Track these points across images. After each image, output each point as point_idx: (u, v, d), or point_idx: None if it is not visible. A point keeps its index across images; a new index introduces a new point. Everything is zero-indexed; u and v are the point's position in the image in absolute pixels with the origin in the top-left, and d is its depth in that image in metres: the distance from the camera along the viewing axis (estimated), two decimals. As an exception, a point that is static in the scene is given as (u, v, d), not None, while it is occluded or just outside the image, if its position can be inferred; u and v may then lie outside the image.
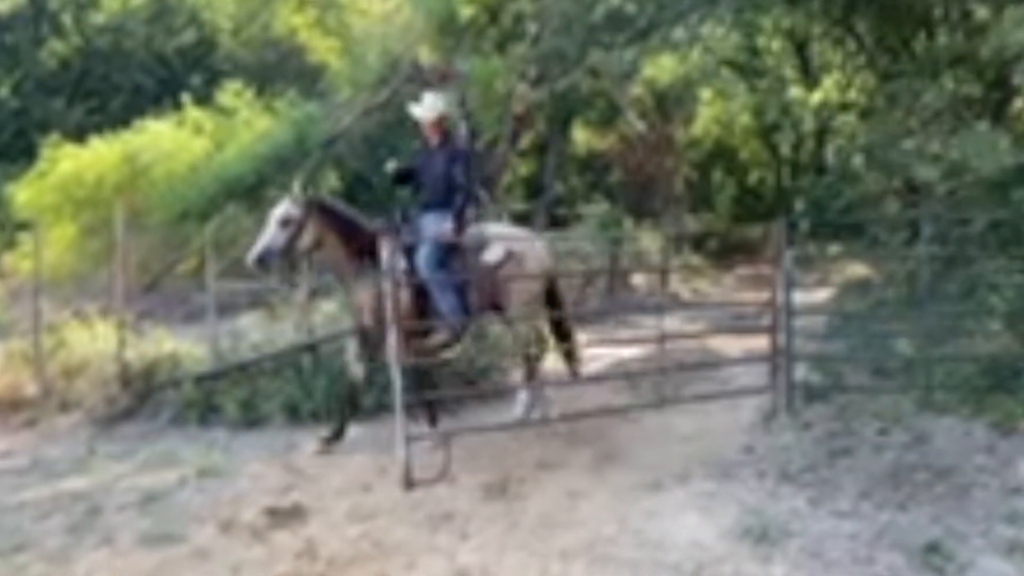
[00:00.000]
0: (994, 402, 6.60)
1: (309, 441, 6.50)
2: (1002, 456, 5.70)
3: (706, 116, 22.74)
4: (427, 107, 6.59)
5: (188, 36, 23.53)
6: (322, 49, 17.99)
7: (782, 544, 4.41)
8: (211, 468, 5.91)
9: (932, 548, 4.29)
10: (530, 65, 13.33)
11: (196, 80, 20.93)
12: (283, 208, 6.18)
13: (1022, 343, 7.19)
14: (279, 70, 21.23)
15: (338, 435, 6.40)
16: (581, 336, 8.04)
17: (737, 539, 4.48)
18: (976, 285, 7.92)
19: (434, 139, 6.63)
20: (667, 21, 11.13)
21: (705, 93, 21.08)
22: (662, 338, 6.84)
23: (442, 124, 6.65)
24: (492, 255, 6.56)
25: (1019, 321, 7.23)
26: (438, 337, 6.42)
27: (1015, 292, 7.40)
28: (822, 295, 12.17)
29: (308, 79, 18.05)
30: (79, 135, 14.68)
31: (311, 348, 7.68)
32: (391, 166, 6.77)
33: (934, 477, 5.28)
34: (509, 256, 6.59)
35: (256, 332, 8.55)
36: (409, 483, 5.47)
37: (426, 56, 13.94)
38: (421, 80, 13.43)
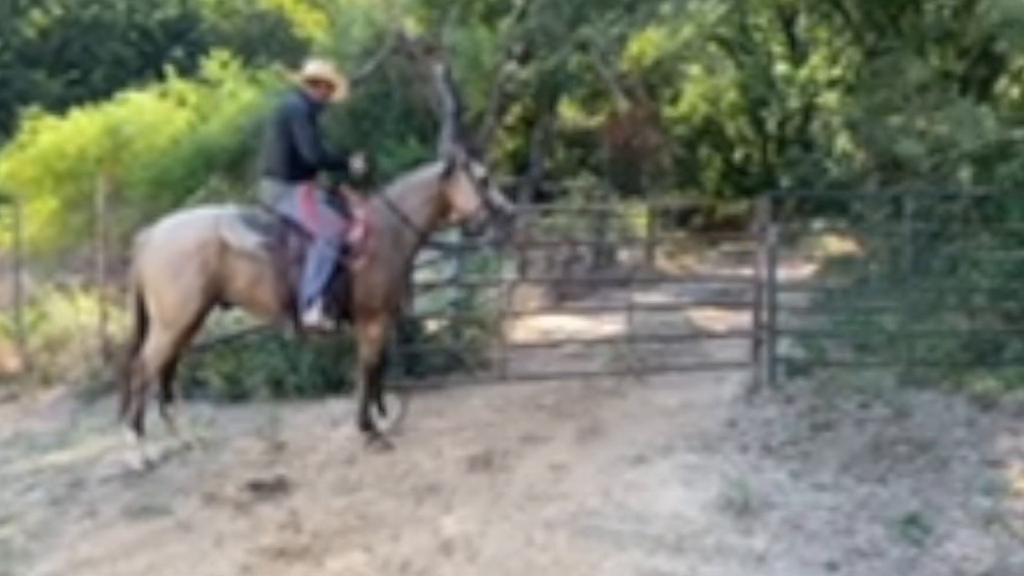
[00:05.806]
0: (975, 377, 6.68)
1: (294, 415, 6.49)
2: (981, 430, 5.78)
3: (693, 93, 22.70)
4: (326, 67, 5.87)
5: (171, 9, 23.28)
6: (307, 22, 17.80)
7: (764, 516, 4.45)
8: (195, 441, 5.89)
9: (911, 520, 4.34)
10: (516, 41, 13.24)
11: (179, 53, 20.73)
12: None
13: (1003, 319, 7.27)
14: (264, 43, 21.04)
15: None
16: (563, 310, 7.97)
17: (719, 511, 4.51)
18: (959, 261, 7.99)
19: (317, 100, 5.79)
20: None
21: (693, 69, 21.03)
22: (637, 308, 6.85)
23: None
24: None
25: (1001, 297, 7.30)
26: None
27: (997, 269, 7.47)
28: (806, 271, 12.22)
29: (293, 52, 17.87)
30: (60, 107, 14.53)
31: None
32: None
33: (914, 450, 5.33)
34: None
35: (240, 306, 8.48)
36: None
37: (411, 28, 13.84)
38: (406, 52, 13.34)
